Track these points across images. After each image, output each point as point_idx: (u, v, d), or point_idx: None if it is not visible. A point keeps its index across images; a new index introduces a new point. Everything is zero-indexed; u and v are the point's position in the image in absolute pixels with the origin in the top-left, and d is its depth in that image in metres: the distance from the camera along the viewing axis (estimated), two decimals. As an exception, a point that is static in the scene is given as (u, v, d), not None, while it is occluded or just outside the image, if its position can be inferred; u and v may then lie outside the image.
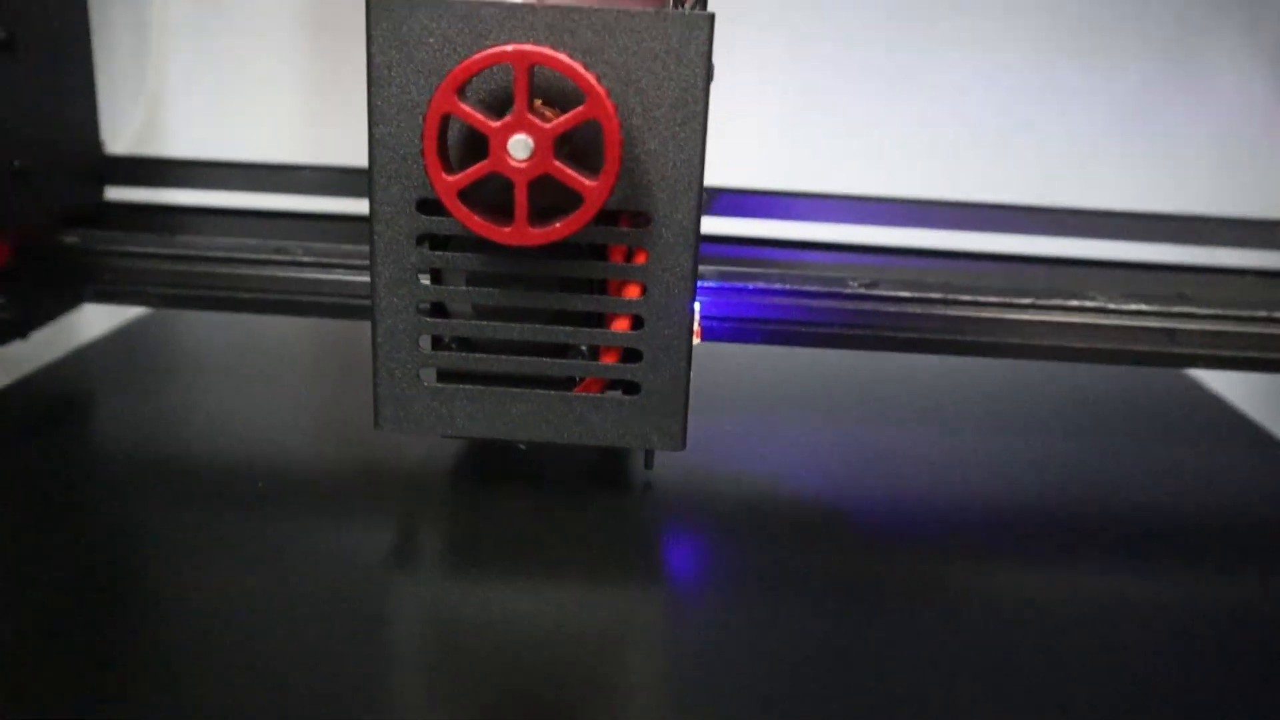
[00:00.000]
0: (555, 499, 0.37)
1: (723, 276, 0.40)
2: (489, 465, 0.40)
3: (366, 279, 0.42)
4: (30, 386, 0.46)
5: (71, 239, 0.44)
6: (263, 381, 0.48)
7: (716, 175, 0.41)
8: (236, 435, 0.42)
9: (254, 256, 0.43)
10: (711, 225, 0.47)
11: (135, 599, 0.32)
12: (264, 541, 0.34)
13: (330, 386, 0.49)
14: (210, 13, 0.69)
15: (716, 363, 0.47)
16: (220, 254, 0.43)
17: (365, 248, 0.42)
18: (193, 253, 0.43)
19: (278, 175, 0.50)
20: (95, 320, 0.63)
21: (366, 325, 0.34)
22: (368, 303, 0.33)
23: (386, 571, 0.33)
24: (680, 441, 0.34)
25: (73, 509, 0.36)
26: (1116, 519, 0.39)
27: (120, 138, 0.62)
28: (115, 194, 0.50)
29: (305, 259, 0.42)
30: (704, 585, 0.33)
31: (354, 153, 0.55)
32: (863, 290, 0.41)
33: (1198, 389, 0.52)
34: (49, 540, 0.34)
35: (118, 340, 0.52)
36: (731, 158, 0.51)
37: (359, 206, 0.50)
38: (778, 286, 0.40)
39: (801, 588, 0.33)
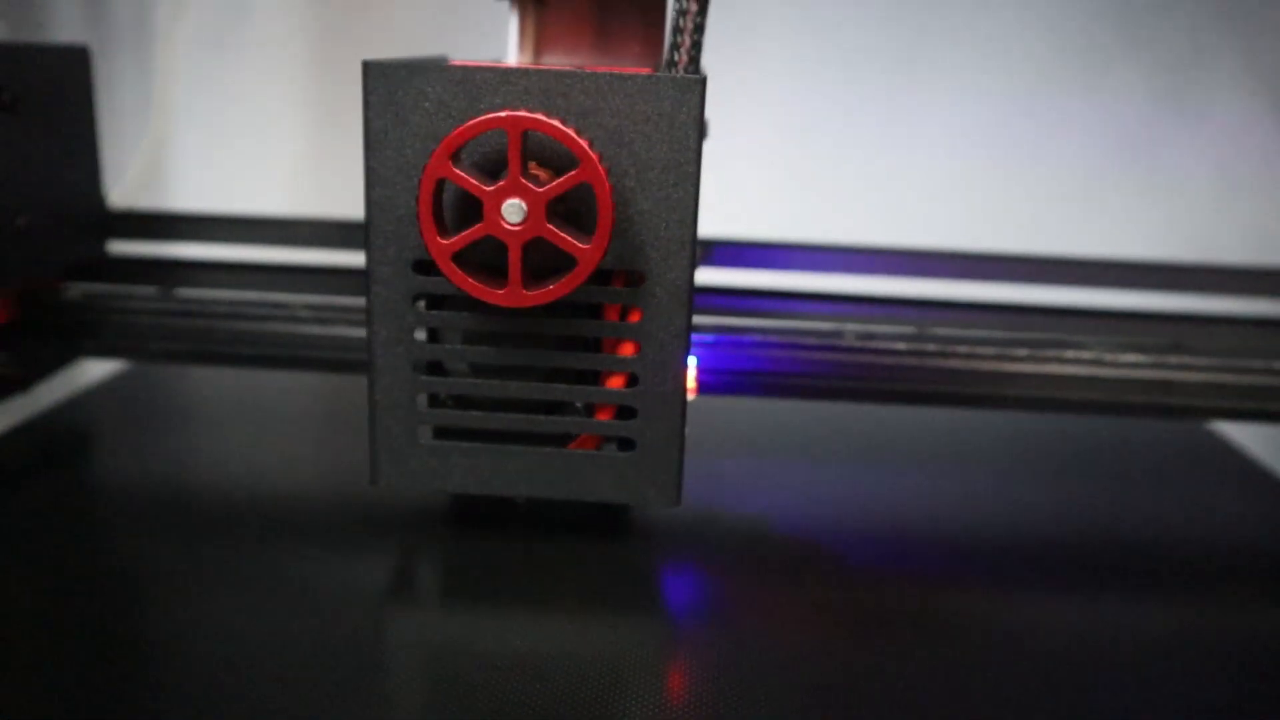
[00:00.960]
0: (550, 534, 0.38)
1: (719, 329, 0.41)
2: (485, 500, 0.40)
3: (364, 333, 0.42)
4: (29, 431, 0.46)
5: (73, 293, 0.45)
6: (257, 432, 0.48)
7: (710, 227, 0.41)
8: (232, 483, 0.42)
9: (254, 312, 0.43)
10: (707, 277, 0.47)
11: (133, 641, 0.32)
12: (261, 581, 0.34)
13: (327, 438, 0.49)
14: (213, 66, 0.70)
15: (714, 413, 0.48)
16: (220, 309, 0.43)
17: (364, 301, 0.43)
18: (193, 308, 0.43)
19: (278, 229, 0.50)
20: (90, 366, 0.63)
21: (364, 379, 0.34)
22: (365, 358, 0.33)
23: (383, 609, 0.33)
24: (675, 498, 0.34)
25: (69, 552, 0.36)
26: (1115, 561, 0.39)
27: (122, 189, 0.63)
28: (117, 247, 0.50)
29: (304, 314, 0.43)
30: (700, 622, 0.33)
31: (354, 205, 0.56)
32: (858, 343, 0.41)
33: (1200, 431, 0.52)
34: (44, 586, 0.34)
35: (113, 389, 0.52)
36: (725, 209, 0.51)
37: (359, 260, 0.50)
38: (773, 340, 0.41)
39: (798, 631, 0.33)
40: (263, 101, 0.70)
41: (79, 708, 0.28)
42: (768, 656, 0.32)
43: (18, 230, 0.42)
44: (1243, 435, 0.53)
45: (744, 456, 0.48)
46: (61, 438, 0.47)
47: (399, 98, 0.31)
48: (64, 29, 0.68)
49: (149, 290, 0.45)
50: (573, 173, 0.29)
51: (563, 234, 0.29)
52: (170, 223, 0.50)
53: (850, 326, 0.42)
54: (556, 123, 0.29)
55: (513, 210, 0.29)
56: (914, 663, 0.32)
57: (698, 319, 0.34)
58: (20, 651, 0.31)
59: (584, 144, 0.29)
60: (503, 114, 0.29)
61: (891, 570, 0.37)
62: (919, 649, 0.32)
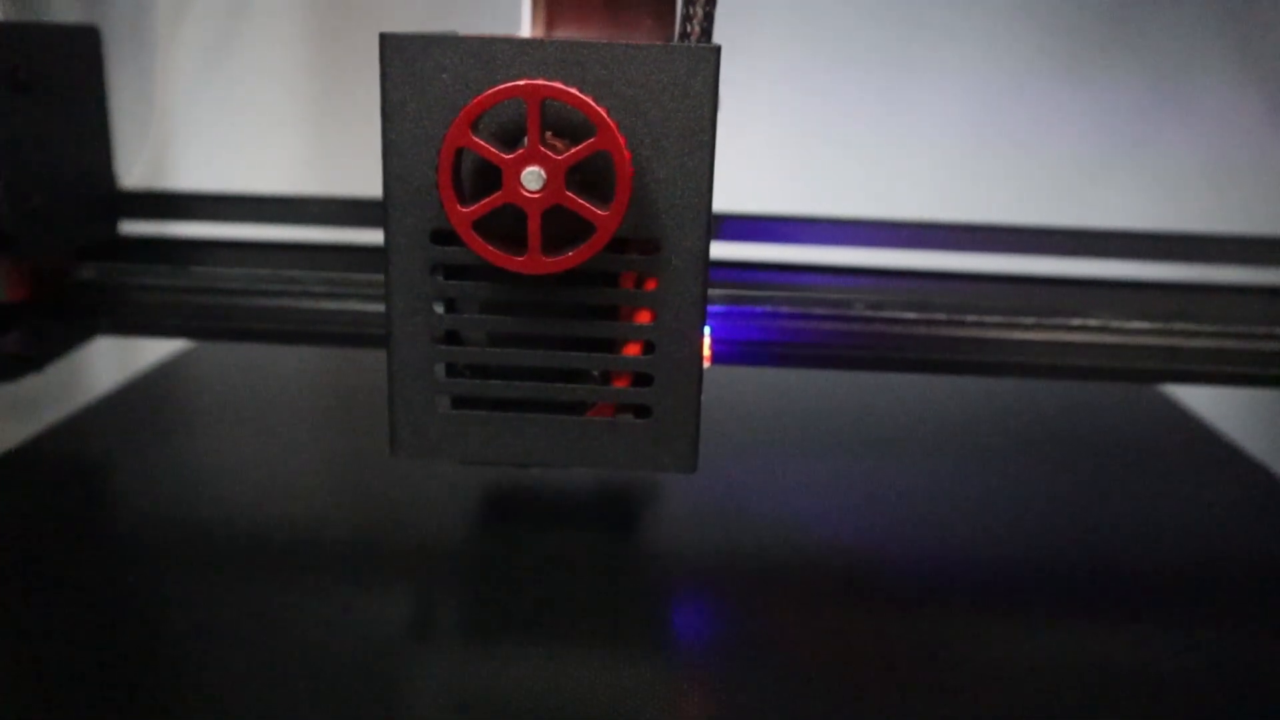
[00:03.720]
0: (565, 553, 0.38)
1: (730, 301, 0.41)
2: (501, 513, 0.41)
3: (379, 308, 0.43)
4: (51, 438, 0.47)
5: (87, 273, 0.45)
6: (277, 421, 0.49)
7: (719, 201, 0.42)
8: (254, 485, 0.43)
9: (268, 287, 0.43)
10: (716, 250, 0.48)
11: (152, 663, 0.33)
12: (273, 599, 0.35)
13: (345, 420, 0.50)
14: (216, 47, 0.70)
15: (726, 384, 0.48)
16: (235, 285, 0.43)
17: (377, 277, 0.43)
18: (207, 284, 0.44)
19: (288, 207, 0.50)
20: (104, 359, 0.64)
21: (377, 353, 0.35)
22: (381, 331, 0.34)
23: (393, 643, 0.34)
24: (692, 464, 0.34)
25: (91, 565, 0.37)
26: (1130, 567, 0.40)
27: (129, 171, 0.63)
28: (128, 227, 0.51)
29: (318, 289, 0.43)
30: (715, 647, 0.34)
31: (363, 183, 0.56)
32: (867, 312, 0.42)
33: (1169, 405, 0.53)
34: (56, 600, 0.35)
35: (132, 393, 0.53)
36: (731, 184, 0.51)
37: (367, 237, 0.51)
38: (784, 310, 0.41)
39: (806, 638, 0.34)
40: (267, 83, 0.70)
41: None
42: (787, 684, 0.32)
43: (32, 210, 0.43)
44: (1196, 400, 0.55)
45: (754, 436, 0.48)
46: (84, 441, 0.47)
47: (417, 69, 0.31)
48: (61, 8, 0.68)
49: (162, 268, 0.45)
50: (591, 140, 0.29)
51: (581, 201, 0.29)
52: (181, 202, 0.50)
53: (860, 297, 0.42)
54: (575, 91, 0.29)
55: (532, 178, 0.29)
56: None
57: (709, 291, 0.35)
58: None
59: (602, 112, 0.29)
60: (522, 83, 0.29)
61: (910, 582, 0.38)
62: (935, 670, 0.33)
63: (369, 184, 0.47)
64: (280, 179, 0.71)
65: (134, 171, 0.66)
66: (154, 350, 0.60)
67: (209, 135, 0.72)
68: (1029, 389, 0.55)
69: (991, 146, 0.70)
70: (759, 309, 0.41)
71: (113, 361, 0.69)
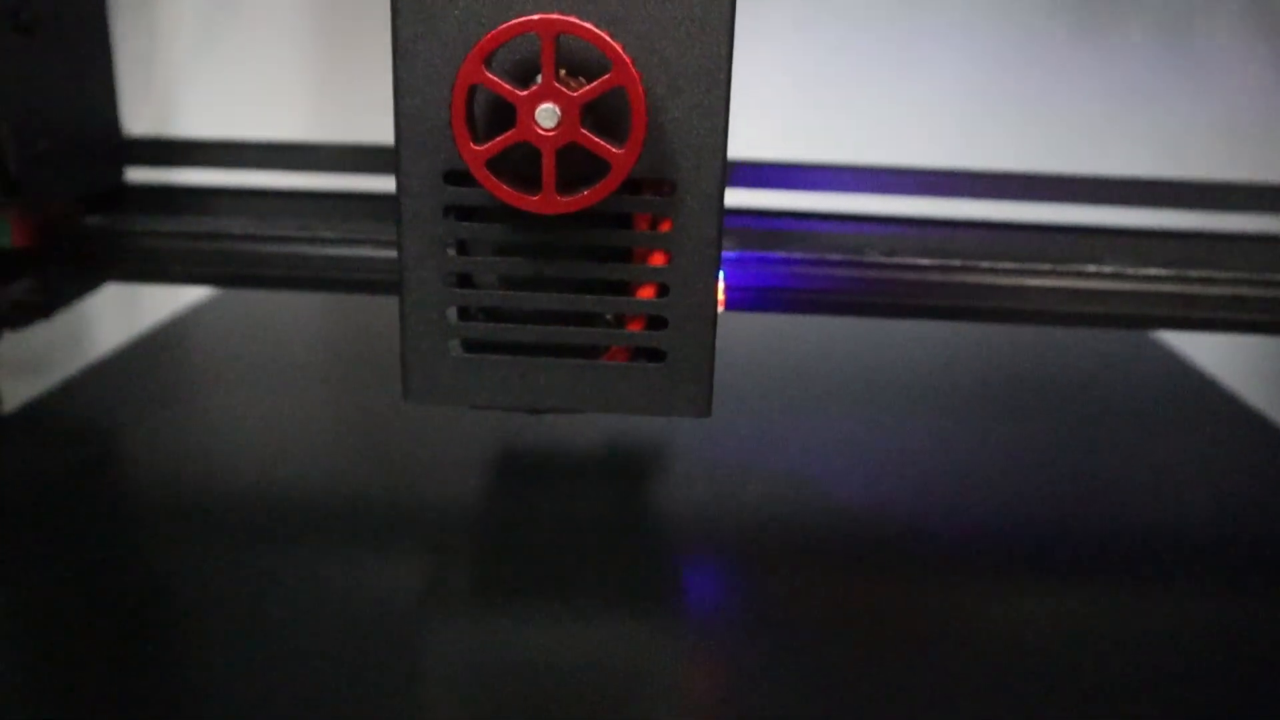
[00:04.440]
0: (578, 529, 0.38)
1: (744, 247, 0.41)
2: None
3: (389, 254, 0.42)
4: (62, 395, 0.47)
5: (94, 220, 0.45)
6: (288, 375, 0.49)
7: (730, 150, 0.41)
8: (265, 442, 0.43)
9: (278, 234, 0.43)
10: (729, 198, 0.47)
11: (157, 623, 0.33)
12: (279, 578, 0.35)
13: (356, 370, 0.50)
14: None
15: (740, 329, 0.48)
16: (244, 232, 0.43)
17: (387, 223, 0.43)
18: (217, 231, 0.43)
19: (296, 154, 0.50)
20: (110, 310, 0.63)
21: (387, 300, 0.34)
22: (392, 278, 0.33)
23: (405, 610, 0.34)
24: (706, 408, 0.34)
25: (97, 529, 0.37)
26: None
27: (135, 120, 0.62)
28: (134, 174, 0.50)
29: (328, 235, 0.43)
30: (726, 614, 0.34)
31: (365, 130, 0.55)
32: (882, 259, 0.41)
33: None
34: (63, 564, 0.35)
35: (144, 347, 0.53)
36: (741, 130, 0.51)
37: (376, 183, 0.50)
38: (798, 256, 0.41)
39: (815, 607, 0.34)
40: (271, 30, 0.70)
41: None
42: (791, 651, 0.32)
43: (38, 155, 0.42)
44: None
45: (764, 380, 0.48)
46: (92, 399, 0.47)
47: (428, 5, 0.30)
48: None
49: (171, 216, 0.45)
50: (607, 76, 0.29)
51: (597, 139, 0.29)
52: (188, 149, 0.50)
53: (874, 243, 0.42)
54: (591, 26, 0.29)
55: (547, 115, 0.29)
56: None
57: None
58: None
59: (617, 47, 0.29)
60: (536, 17, 0.29)
61: (922, 540, 0.38)
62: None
63: (373, 131, 0.47)
64: (285, 126, 0.70)
65: (140, 119, 0.65)
66: (160, 300, 0.60)
67: (214, 82, 0.71)
68: (1027, 335, 0.55)
69: (999, 101, 0.69)
70: (773, 255, 0.41)
71: (118, 313, 0.69)
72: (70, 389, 0.47)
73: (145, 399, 0.47)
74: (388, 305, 0.48)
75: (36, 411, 0.45)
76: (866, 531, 0.38)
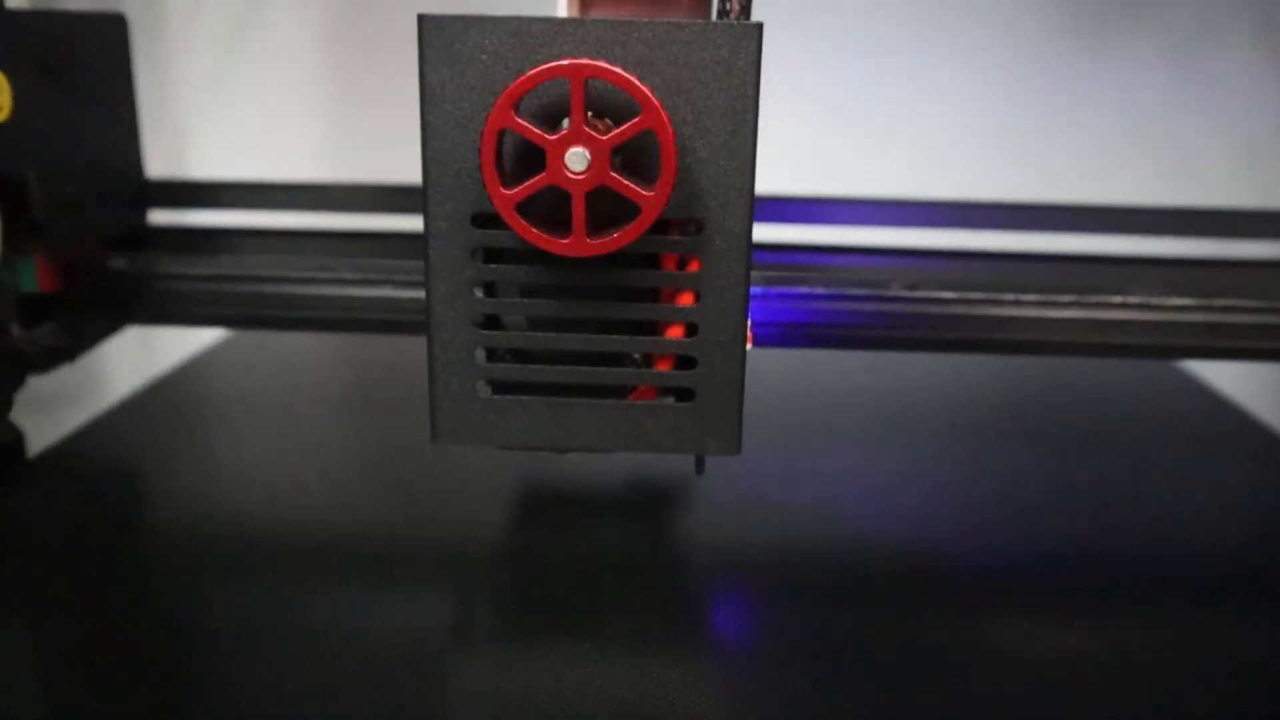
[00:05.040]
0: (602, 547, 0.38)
1: (767, 282, 0.41)
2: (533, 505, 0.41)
3: (413, 294, 0.42)
4: (86, 437, 0.47)
5: (118, 262, 0.45)
6: (310, 414, 0.49)
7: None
8: (289, 481, 0.43)
9: (300, 275, 0.43)
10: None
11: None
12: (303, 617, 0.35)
13: (379, 410, 0.50)
14: (232, 34, 0.70)
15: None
16: (267, 273, 0.43)
17: (409, 263, 0.43)
18: (240, 273, 0.43)
19: (315, 194, 0.50)
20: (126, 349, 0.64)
21: (410, 340, 0.34)
22: (415, 318, 0.33)
23: (433, 648, 0.34)
24: (736, 446, 0.34)
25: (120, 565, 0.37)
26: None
27: (147, 160, 0.63)
28: (157, 216, 0.51)
29: (351, 275, 0.43)
30: (754, 646, 0.34)
31: (377, 170, 0.55)
32: (905, 293, 0.41)
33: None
34: (91, 606, 0.35)
35: (165, 388, 0.53)
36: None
37: (396, 223, 0.50)
38: (821, 291, 0.41)
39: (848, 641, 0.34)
40: (283, 71, 0.70)
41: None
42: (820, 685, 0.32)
43: (64, 200, 0.43)
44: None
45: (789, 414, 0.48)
46: (125, 433, 0.47)
47: (455, 50, 0.31)
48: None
49: (193, 258, 0.45)
50: (636, 120, 0.29)
51: (626, 182, 0.29)
52: (209, 191, 0.50)
53: (896, 277, 0.42)
54: (620, 70, 0.29)
55: (576, 159, 0.29)
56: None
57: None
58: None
59: (647, 90, 0.29)
60: (565, 62, 0.29)
61: (952, 573, 0.37)
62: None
63: (386, 170, 0.47)
64: (296, 167, 0.71)
65: (152, 160, 0.66)
66: (171, 338, 0.60)
67: (225, 123, 0.71)
68: (1052, 364, 0.55)
69: (1011, 126, 0.69)
70: (796, 290, 0.41)
71: (133, 351, 0.69)
72: (93, 431, 0.47)
73: (169, 441, 0.47)
74: (400, 343, 0.49)
75: (62, 454, 0.45)
76: (895, 564, 0.38)
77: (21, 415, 0.44)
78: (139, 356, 0.68)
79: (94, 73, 0.44)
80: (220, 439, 0.48)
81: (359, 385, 0.54)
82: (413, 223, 0.39)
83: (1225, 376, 0.56)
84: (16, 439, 0.44)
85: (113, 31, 0.46)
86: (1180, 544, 0.40)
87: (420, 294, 0.40)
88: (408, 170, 0.41)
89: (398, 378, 0.53)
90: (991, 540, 0.39)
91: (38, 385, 0.44)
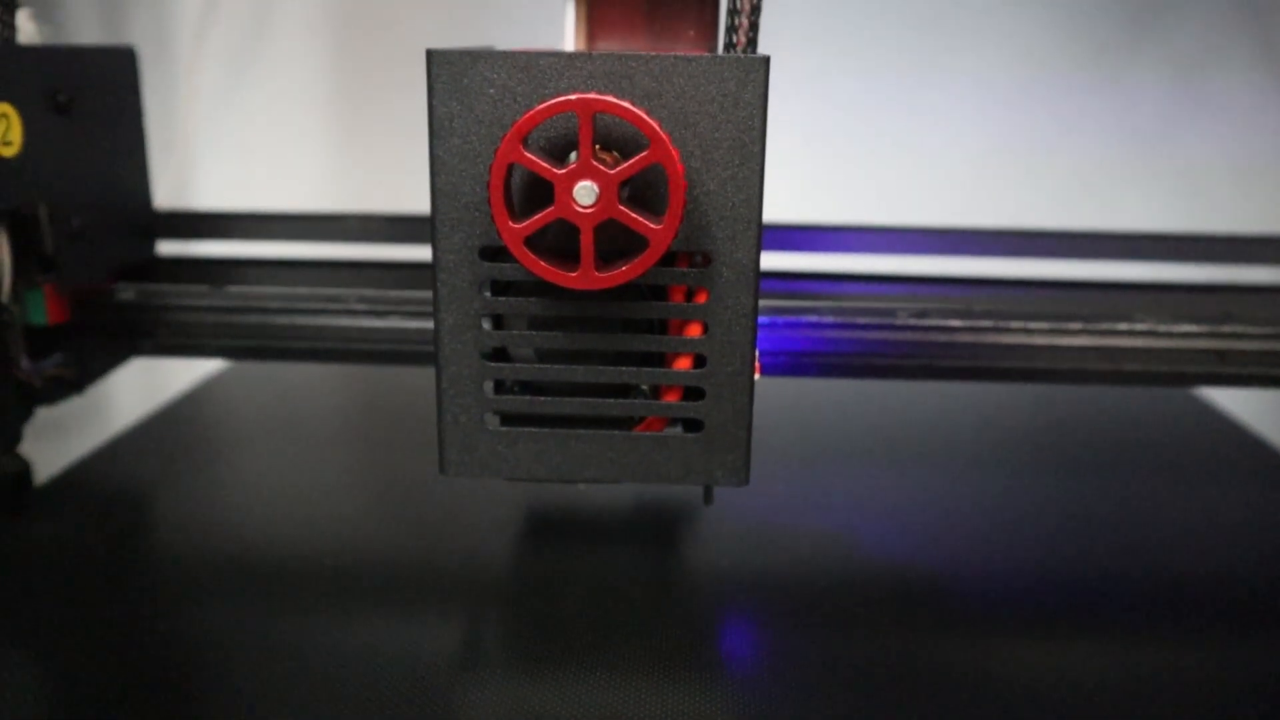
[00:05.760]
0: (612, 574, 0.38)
1: (774, 312, 0.41)
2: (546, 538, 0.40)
3: (421, 325, 0.42)
4: (92, 466, 0.47)
5: (126, 294, 0.45)
6: (317, 443, 0.49)
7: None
8: (297, 510, 0.43)
9: (308, 305, 0.43)
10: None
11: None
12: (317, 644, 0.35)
13: (386, 439, 0.50)
14: (238, 66, 0.70)
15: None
16: (274, 304, 0.43)
17: (417, 293, 0.43)
18: (248, 304, 0.43)
19: (324, 225, 0.50)
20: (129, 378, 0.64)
21: (417, 370, 0.34)
22: (423, 349, 0.33)
23: (446, 675, 0.33)
24: (745, 476, 0.34)
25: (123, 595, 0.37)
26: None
27: (154, 191, 0.63)
28: (165, 247, 0.51)
29: (359, 307, 0.43)
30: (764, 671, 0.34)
31: (383, 200, 0.55)
32: (913, 321, 0.41)
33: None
34: (98, 635, 0.35)
35: (171, 416, 0.53)
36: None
37: (404, 253, 0.51)
38: (829, 320, 0.41)
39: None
40: (289, 102, 0.71)
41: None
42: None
43: (73, 232, 0.43)
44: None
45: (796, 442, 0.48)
46: (128, 464, 0.47)
47: (464, 85, 0.31)
48: (84, 29, 0.68)
49: (201, 288, 0.45)
50: (644, 153, 0.29)
51: (634, 215, 0.29)
52: (218, 222, 0.50)
53: (903, 305, 0.42)
54: (628, 104, 0.29)
55: (585, 192, 0.29)
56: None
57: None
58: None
59: (655, 124, 0.29)
60: (573, 97, 0.29)
61: (966, 598, 0.37)
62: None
63: (393, 200, 0.47)
64: (304, 197, 0.71)
65: (159, 190, 0.66)
66: (181, 368, 0.60)
67: (233, 153, 0.72)
68: (1063, 390, 0.55)
69: (1014, 149, 0.69)
70: (803, 319, 0.41)
71: (137, 380, 0.69)
72: (99, 459, 0.47)
73: (175, 469, 0.47)
74: (408, 374, 0.49)
75: (68, 482, 0.45)
76: (905, 591, 0.37)
77: (27, 442, 0.44)
78: (145, 384, 0.68)
79: (103, 106, 0.45)
80: (226, 468, 0.48)
81: (366, 415, 0.54)
82: (421, 252, 0.39)
83: (1237, 401, 0.56)
84: (24, 470, 0.44)
85: (122, 64, 0.46)
86: (1193, 569, 0.39)
87: (428, 325, 0.40)
88: (415, 200, 0.41)
89: (405, 408, 0.53)
90: (1003, 566, 0.39)
91: (44, 412, 0.44)
